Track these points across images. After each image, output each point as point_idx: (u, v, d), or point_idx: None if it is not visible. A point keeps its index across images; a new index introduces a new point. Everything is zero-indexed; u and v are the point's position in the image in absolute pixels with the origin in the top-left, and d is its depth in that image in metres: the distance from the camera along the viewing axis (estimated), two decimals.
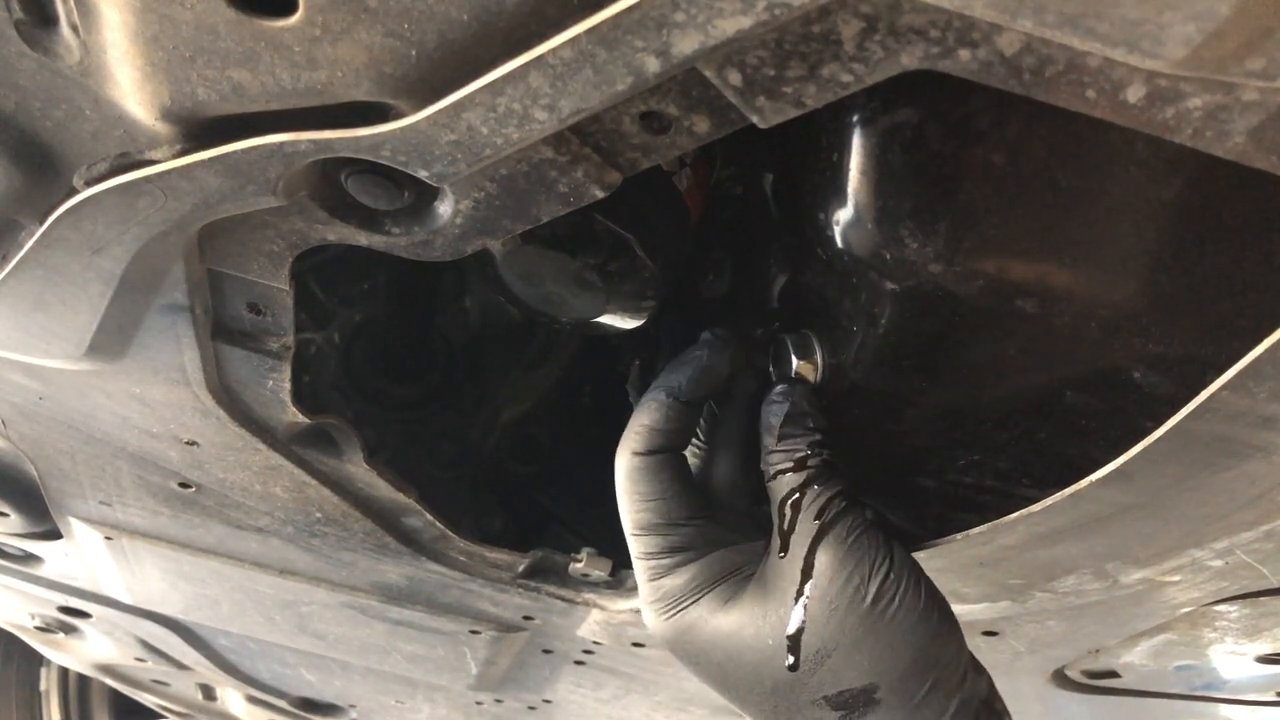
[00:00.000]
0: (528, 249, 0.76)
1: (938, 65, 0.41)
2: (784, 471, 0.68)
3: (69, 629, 1.74)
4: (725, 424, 0.77)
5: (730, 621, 0.67)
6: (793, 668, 0.64)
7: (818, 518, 0.65)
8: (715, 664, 0.68)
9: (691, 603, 0.68)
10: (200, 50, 0.46)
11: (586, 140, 0.50)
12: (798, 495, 0.66)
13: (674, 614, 0.69)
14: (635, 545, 0.71)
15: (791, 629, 0.64)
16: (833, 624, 0.63)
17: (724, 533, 0.71)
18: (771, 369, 0.77)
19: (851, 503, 0.67)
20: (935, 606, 0.65)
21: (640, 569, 0.71)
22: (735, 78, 0.43)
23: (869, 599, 0.63)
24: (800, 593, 0.64)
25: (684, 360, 0.72)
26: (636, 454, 0.69)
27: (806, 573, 0.64)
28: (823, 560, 0.64)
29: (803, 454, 0.68)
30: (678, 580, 0.69)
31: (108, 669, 2.02)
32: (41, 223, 0.59)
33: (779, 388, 0.72)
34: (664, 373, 0.72)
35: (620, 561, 1.11)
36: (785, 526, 0.66)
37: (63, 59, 0.49)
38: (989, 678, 0.68)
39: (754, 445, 0.72)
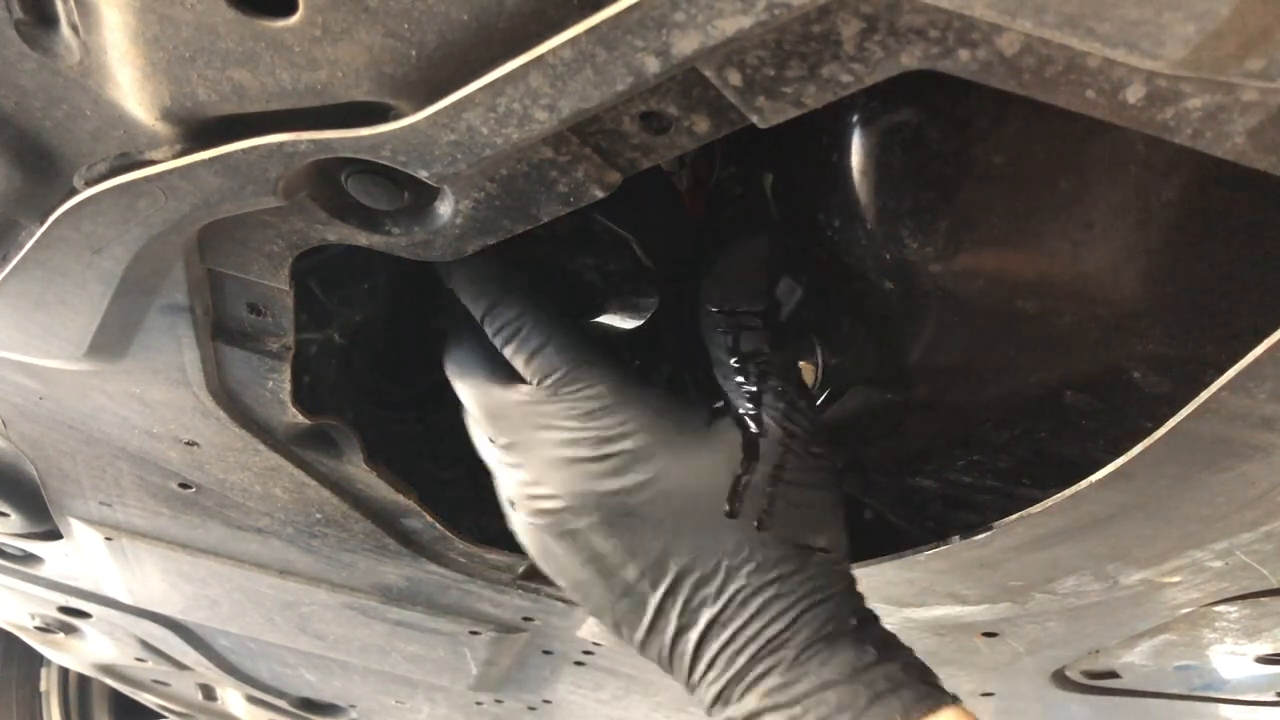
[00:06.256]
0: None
1: (938, 65, 0.41)
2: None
3: (69, 629, 1.74)
4: None
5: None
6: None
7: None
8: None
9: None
10: (200, 50, 0.46)
11: (586, 140, 0.50)
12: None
13: None
14: None
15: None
16: None
17: None
18: None
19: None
20: None
21: None
22: (735, 78, 0.43)
23: None
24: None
25: None
26: None
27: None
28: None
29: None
30: None
31: (108, 669, 2.02)
32: (41, 223, 0.59)
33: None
34: None
35: None
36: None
37: (63, 59, 0.49)
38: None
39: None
